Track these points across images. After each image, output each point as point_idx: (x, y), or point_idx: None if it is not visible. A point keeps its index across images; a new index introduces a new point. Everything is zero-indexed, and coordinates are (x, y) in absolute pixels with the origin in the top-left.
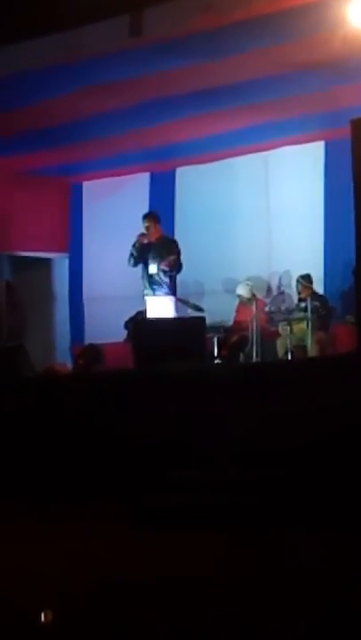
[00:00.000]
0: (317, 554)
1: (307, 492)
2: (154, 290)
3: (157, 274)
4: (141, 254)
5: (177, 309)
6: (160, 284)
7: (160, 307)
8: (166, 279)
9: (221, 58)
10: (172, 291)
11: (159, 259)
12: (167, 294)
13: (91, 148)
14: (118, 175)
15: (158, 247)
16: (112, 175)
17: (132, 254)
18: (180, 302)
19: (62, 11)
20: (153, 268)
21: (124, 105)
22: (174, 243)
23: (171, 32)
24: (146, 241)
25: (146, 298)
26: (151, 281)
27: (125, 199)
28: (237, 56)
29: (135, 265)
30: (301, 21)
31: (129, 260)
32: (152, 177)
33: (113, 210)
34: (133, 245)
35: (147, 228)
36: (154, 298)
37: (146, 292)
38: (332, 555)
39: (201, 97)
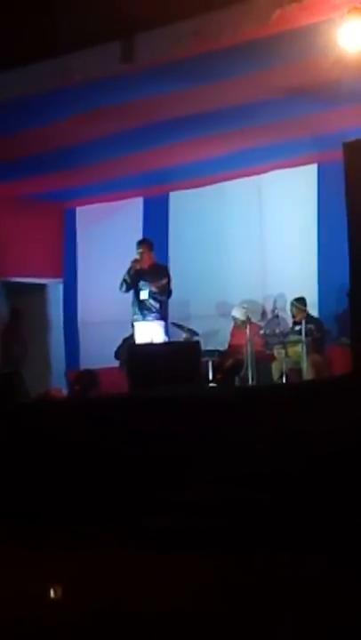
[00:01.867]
0: (317, 578)
1: (303, 515)
2: (144, 315)
3: (148, 300)
4: (133, 280)
5: (167, 333)
6: (150, 310)
7: (149, 331)
8: (157, 304)
9: (213, 82)
10: (162, 316)
11: (150, 284)
12: (157, 319)
13: (84, 174)
14: (112, 200)
15: (150, 273)
16: (106, 200)
17: (124, 280)
18: (175, 326)
19: (55, 37)
20: (144, 294)
21: (118, 130)
22: (165, 269)
23: (162, 57)
24: (139, 267)
25: (135, 323)
26: (142, 306)
27: (119, 224)
28: (229, 80)
29: (127, 291)
30: (292, 46)
31: (121, 286)
32: (145, 201)
33: (107, 234)
34: (128, 271)
35: (140, 254)
36: (143, 323)
37: (135, 317)
38: (333, 579)
39: (193, 121)
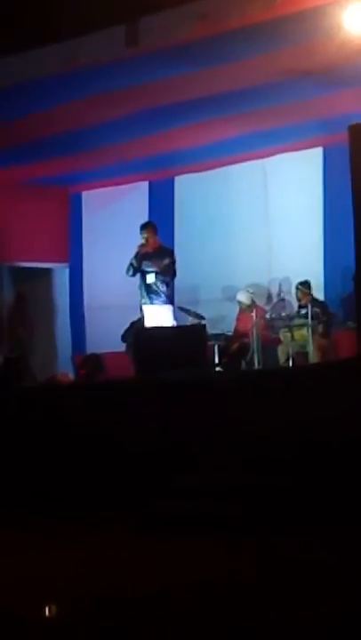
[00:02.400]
0: (326, 563)
1: (310, 500)
2: (151, 299)
3: (155, 283)
4: (139, 264)
5: (176, 318)
6: (157, 293)
7: (158, 315)
8: (163, 288)
9: (218, 66)
10: (170, 299)
11: (153, 264)
12: (165, 303)
13: (89, 158)
14: (117, 184)
15: (155, 256)
16: (111, 184)
17: (131, 264)
18: (181, 311)
19: (59, 21)
20: (150, 278)
21: (123, 114)
22: (170, 251)
23: (167, 41)
24: (144, 251)
25: (143, 307)
26: (149, 290)
27: (125, 208)
28: (234, 64)
29: (133, 274)
30: (297, 28)
31: (127, 270)
32: (151, 185)
33: (112, 219)
34: (135, 256)
35: (146, 238)
36: (151, 307)
37: (143, 300)
38: (342, 562)
39: (199, 105)
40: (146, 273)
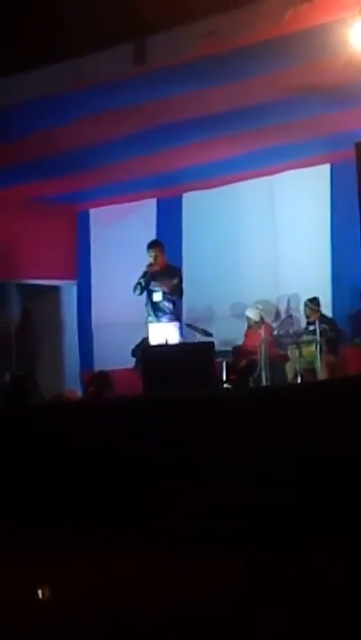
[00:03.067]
0: (332, 578)
1: (318, 516)
2: (158, 317)
3: (162, 301)
4: (147, 283)
5: (182, 335)
6: (164, 311)
7: (164, 333)
8: (170, 306)
9: (225, 83)
10: (176, 317)
11: (162, 284)
12: (171, 320)
13: (97, 176)
14: (125, 202)
15: (162, 275)
16: (119, 202)
17: (139, 283)
18: (189, 327)
19: (66, 39)
20: (157, 296)
21: (130, 132)
22: (177, 270)
23: (174, 59)
24: (152, 270)
25: (149, 325)
26: (155, 308)
27: (133, 226)
28: (241, 81)
29: (141, 293)
30: (304, 46)
31: (135, 289)
32: (159, 203)
33: (120, 236)
34: (143, 275)
35: (154, 257)
36: (157, 324)
37: (150, 319)
38: (347, 578)
39: (206, 122)
40: (153, 291)
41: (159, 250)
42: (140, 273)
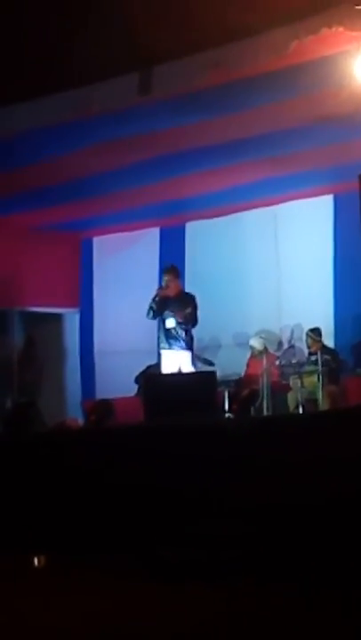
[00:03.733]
0: (335, 614)
1: (318, 548)
2: (170, 344)
3: (175, 328)
4: (160, 308)
5: (194, 364)
6: (177, 339)
7: (176, 361)
8: (183, 333)
9: (230, 113)
10: (189, 345)
11: (175, 313)
12: (183, 349)
13: (101, 204)
14: (129, 230)
15: (176, 301)
16: (122, 230)
17: (151, 307)
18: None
19: (72, 69)
20: (170, 323)
21: (134, 161)
22: (192, 297)
23: (180, 88)
24: (164, 295)
25: (162, 352)
26: (168, 335)
27: (136, 254)
28: (246, 112)
29: (154, 318)
30: (308, 77)
31: (148, 313)
32: (162, 232)
33: (124, 264)
34: (153, 299)
35: (167, 281)
36: (170, 352)
37: (162, 345)
38: (351, 616)
39: (211, 152)
40: (166, 318)
41: (173, 275)
42: (145, 300)
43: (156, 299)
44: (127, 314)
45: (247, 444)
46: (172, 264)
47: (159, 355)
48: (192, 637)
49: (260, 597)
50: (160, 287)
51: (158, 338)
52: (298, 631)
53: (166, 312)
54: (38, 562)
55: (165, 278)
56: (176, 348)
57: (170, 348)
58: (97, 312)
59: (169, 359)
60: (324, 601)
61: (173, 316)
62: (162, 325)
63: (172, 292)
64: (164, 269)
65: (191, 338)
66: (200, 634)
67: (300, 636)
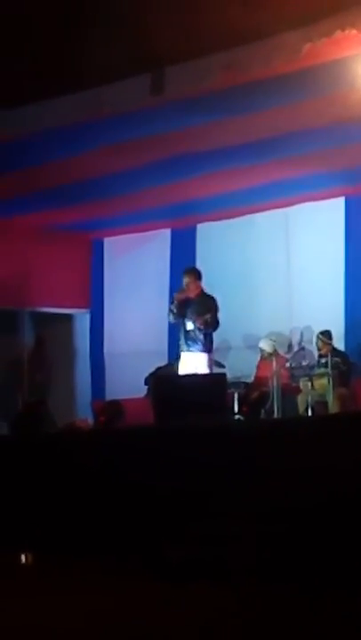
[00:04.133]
0: (335, 612)
1: (326, 550)
2: (189, 345)
3: (193, 330)
4: (180, 310)
5: (211, 366)
6: (195, 341)
7: (193, 363)
8: (201, 336)
9: (241, 115)
10: (207, 348)
11: (196, 315)
12: (202, 351)
13: (112, 205)
14: (140, 231)
15: (196, 304)
16: (134, 231)
17: (171, 310)
18: None
19: (85, 70)
20: (190, 325)
21: (146, 162)
22: (212, 299)
23: (192, 90)
24: (183, 297)
25: (181, 353)
26: (187, 337)
27: (146, 255)
28: (258, 113)
29: (175, 320)
30: (321, 80)
31: (168, 316)
32: (173, 233)
33: (134, 265)
34: (172, 302)
35: (187, 284)
36: (188, 354)
37: (182, 347)
38: (351, 615)
39: (222, 154)
40: (186, 320)
41: (192, 277)
42: (155, 301)
43: (175, 302)
44: (138, 315)
45: (257, 446)
46: (192, 266)
47: (176, 356)
48: (196, 637)
49: (264, 597)
50: (180, 289)
51: (179, 340)
52: (302, 630)
53: (187, 314)
54: (25, 559)
55: (185, 280)
56: (194, 350)
57: (188, 350)
58: (107, 313)
59: (187, 361)
60: (329, 601)
61: (193, 319)
62: (182, 327)
63: (192, 293)
64: (184, 271)
65: (211, 341)
66: (204, 633)
67: (304, 635)
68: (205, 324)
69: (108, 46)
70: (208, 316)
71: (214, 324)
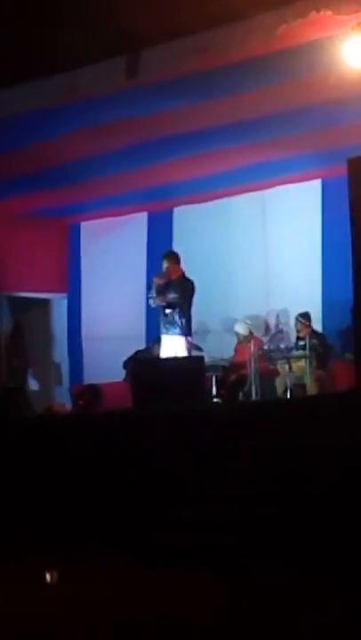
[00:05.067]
0: (323, 593)
1: (306, 530)
2: (167, 329)
3: (171, 313)
4: (160, 294)
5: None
6: (173, 324)
7: (172, 346)
8: (178, 319)
9: (217, 98)
10: (185, 331)
11: (158, 297)
12: (180, 334)
13: (88, 189)
14: (116, 215)
15: (173, 286)
16: (110, 215)
17: (151, 296)
18: None
19: (59, 53)
20: (168, 308)
21: (121, 146)
22: (189, 282)
23: (167, 73)
24: (162, 282)
25: (161, 336)
26: (166, 320)
27: (123, 239)
28: (234, 97)
29: (155, 304)
30: (297, 62)
31: (149, 300)
32: (150, 217)
33: (111, 249)
34: (150, 288)
35: (167, 268)
36: (167, 337)
37: (162, 330)
38: (339, 594)
39: (198, 137)
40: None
41: (172, 260)
42: (132, 285)
43: (154, 286)
44: (115, 299)
45: (235, 429)
46: (171, 249)
47: (155, 340)
48: (186, 621)
49: (252, 581)
50: (158, 274)
51: (159, 323)
52: (292, 613)
53: (166, 296)
54: (51, 577)
55: (165, 264)
56: (173, 333)
57: (167, 334)
58: (85, 297)
59: (166, 345)
60: (317, 584)
61: (170, 302)
62: (162, 311)
63: (172, 275)
64: (163, 255)
65: (189, 324)
66: (192, 619)
67: (294, 618)
68: (169, 302)
69: (84, 28)
70: (171, 296)
71: (182, 305)
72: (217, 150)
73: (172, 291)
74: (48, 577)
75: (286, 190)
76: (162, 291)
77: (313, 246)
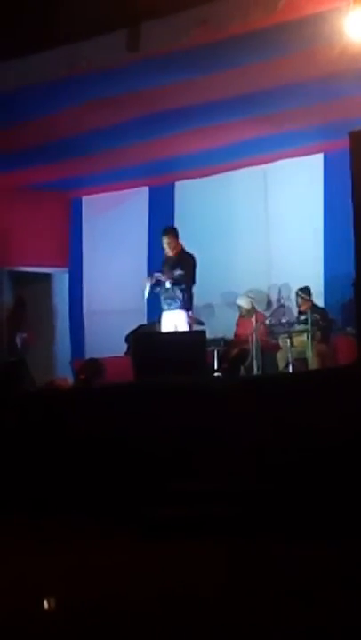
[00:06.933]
0: (318, 566)
1: (308, 504)
2: (169, 304)
3: (171, 288)
4: (166, 272)
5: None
6: (174, 299)
7: (173, 321)
8: (179, 294)
9: (219, 72)
10: (185, 305)
11: (166, 273)
12: (181, 309)
13: (90, 163)
14: (118, 189)
15: (174, 261)
16: (112, 189)
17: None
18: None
19: (61, 26)
20: (168, 283)
21: (123, 119)
22: (191, 257)
23: (168, 47)
24: (164, 257)
25: (163, 312)
26: (166, 295)
27: (125, 213)
28: (235, 70)
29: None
30: (298, 35)
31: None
32: (151, 191)
33: (113, 224)
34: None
35: (167, 244)
36: (168, 312)
37: (163, 305)
38: (339, 567)
39: (199, 111)
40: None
41: (171, 236)
42: (134, 259)
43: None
44: (116, 273)
45: (237, 402)
46: (169, 225)
47: (158, 315)
48: (180, 595)
49: (247, 555)
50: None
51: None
52: (288, 584)
53: (167, 272)
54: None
55: (165, 240)
56: (173, 308)
57: (168, 309)
58: (86, 272)
59: (167, 319)
60: (318, 556)
61: (171, 277)
62: (163, 286)
63: (173, 251)
64: (162, 232)
65: (191, 298)
66: (188, 592)
67: (291, 589)
68: (175, 278)
69: (85, 2)
70: (178, 273)
71: (188, 281)
72: (219, 124)
73: (178, 267)
74: (46, 604)
75: (288, 164)
76: (163, 266)
77: (315, 220)
